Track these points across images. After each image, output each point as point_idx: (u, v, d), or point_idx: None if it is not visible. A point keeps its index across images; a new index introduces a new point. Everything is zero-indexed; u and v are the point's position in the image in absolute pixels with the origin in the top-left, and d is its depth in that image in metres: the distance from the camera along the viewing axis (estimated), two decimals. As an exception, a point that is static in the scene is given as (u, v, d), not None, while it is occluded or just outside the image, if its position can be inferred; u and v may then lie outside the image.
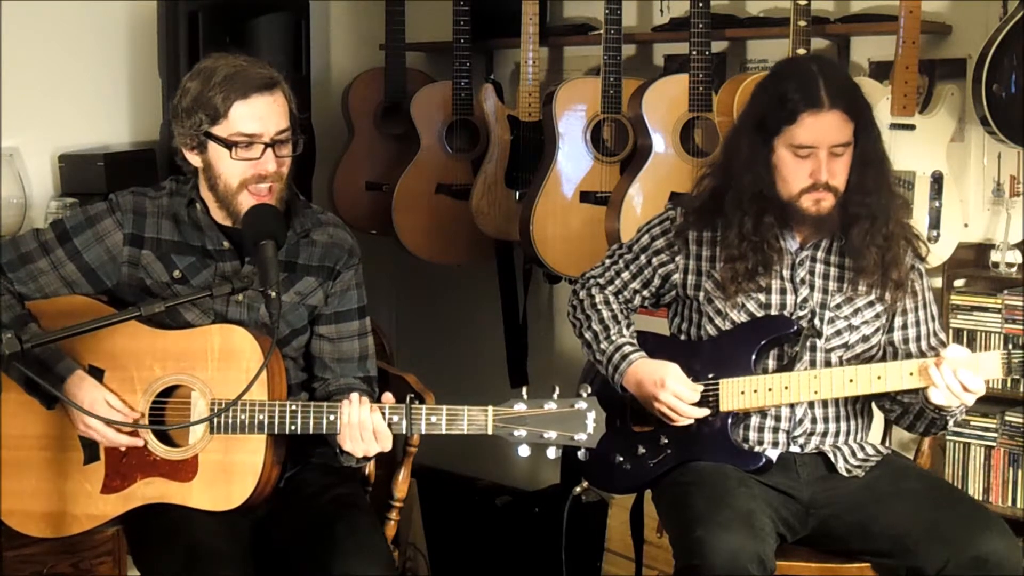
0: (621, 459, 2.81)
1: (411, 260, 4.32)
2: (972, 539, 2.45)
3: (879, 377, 2.60)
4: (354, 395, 2.45)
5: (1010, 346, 2.89)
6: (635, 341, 2.79)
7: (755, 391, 2.66)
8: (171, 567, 2.40)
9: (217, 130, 2.51)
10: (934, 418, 2.65)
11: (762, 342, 2.69)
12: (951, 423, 2.67)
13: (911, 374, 2.58)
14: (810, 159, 2.59)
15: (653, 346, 2.79)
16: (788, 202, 2.62)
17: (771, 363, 2.72)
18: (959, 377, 2.53)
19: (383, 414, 2.43)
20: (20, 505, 2.55)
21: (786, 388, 2.65)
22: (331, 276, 2.68)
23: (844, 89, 2.62)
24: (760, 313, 2.71)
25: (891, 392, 2.69)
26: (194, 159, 2.58)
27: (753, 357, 2.68)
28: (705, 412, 2.68)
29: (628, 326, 2.83)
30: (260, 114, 2.50)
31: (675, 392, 2.66)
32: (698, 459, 2.71)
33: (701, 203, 2.76)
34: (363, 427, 2.42)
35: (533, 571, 3.81)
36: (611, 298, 2.85)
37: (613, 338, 2.79)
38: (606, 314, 2.83)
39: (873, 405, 2.81)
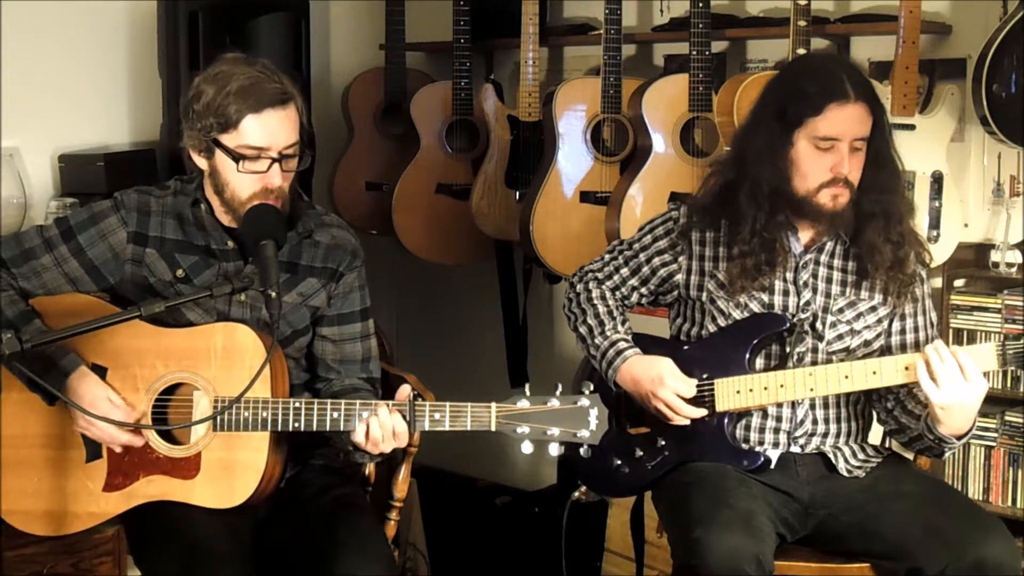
0: (619, 463, 2.81)
1: (411, 260, 4.32)
2: (972, 543, 2.45)
3: (874, 372, 2.59)
4: (384, 409, 2.43)
5: (1003, 338, 2.90)
6: (630, 338, 2.79)
7: (751, 390, 2.66)
8: (171, 567, 2.40)
9: (226, 139, 2.50)
10: (931, 445, 2.63)
11: (754, 340, 2.69)
12: (947, 453, 2.64)
13: (906, 368, 2.56)
14: (831, 152, 2.59)
15: (647, 347, 2.78)
16: (804, 198, 2.62)
17: (766, 361, 2.72)
18: (955, 354, 2.48)
19: (403, 414, 2.44)
20: (22, 504, 2.54)
21: (781, 386, 2.64)
22: (334, 278, 2.68)
23: (866, 84, 2.64)
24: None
25: (891, 408, 2.70)
26: (200, 162, 2.58)
27: (747, 356, 2.68)
28: (703, 412, 2.68)
29: (624, 322, 2.83)
30: (271, 129, 2.49)
31: (673, 388, 2.66)
32: (696, 459, 2.70)
33: (707, 203, 2.75)
34: (383, 432, 2.43)
35: (533, 571, 3.81)
36: (608, 294, 2.85)
37: (608, 334, 2.79)
38: (602, 309, 2.83)
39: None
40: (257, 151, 2.50)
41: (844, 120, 2.57)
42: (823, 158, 2.59)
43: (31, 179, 3.60)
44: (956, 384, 2.48)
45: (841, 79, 2.58)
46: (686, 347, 2.78)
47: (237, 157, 2.50)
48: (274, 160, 2.51)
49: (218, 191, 2.57)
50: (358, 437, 2.44)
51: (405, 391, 2.47)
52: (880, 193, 2.64)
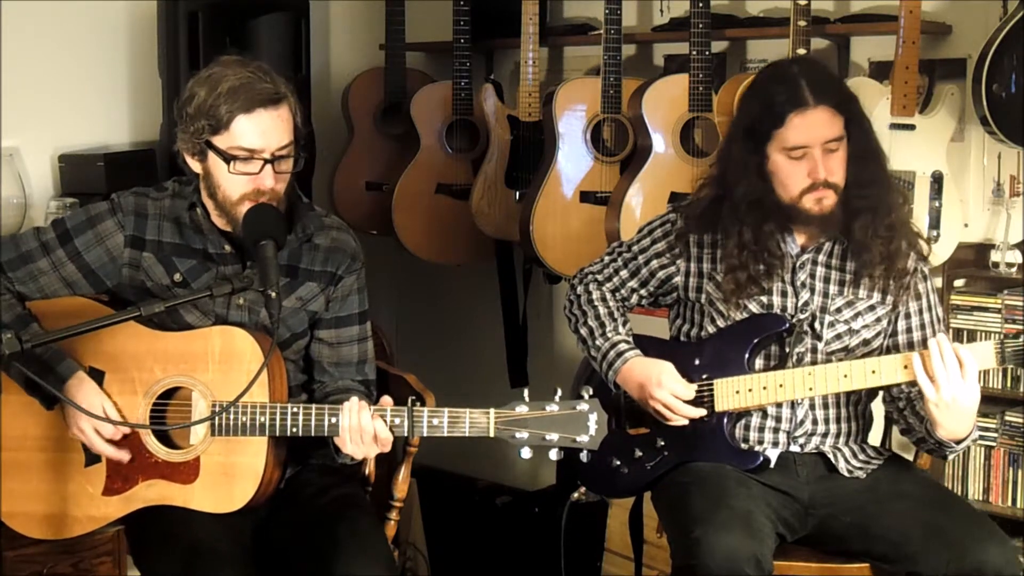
0: (618, 463, 2.81)
1: (411, 260, 4.32)
2: (972, 547, 2.45)
3: (873, 372, 2.59)
4: (354, 399, 2.45)
5: (1002, 336, 2.89)
6: (631, 339, 2.79)
7: (750, 390, 2.66)
8: (172, 568, 2.40)
9: (218, 140, 2.49)
10: (933, 448, 2.64)
11: (754, 340, 2.69)
12: (950, 456, 2.65)
13: (904, 367, 2.56)
14: (805, 159, 2.58)
15: (646, 348, 2.79)
16: (790, 205, 2.62)
17: (766, 362, 2.72)
18: (956, 351, 2.47)
19: (384, 419, 2.43)
20: (21, 507, 2.55)
21: (780, 386, 2.64)
22: (333, 281, 2.67)
23: (827, 85, 2.62)
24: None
25: (902, 408, 2.70)
26: (195, 165, 2.57)
27: (746, 356, 2.68)
28: (701, 412, 2.68)
29: (624, 323, 2.83)
30: (262, 129, 2.48)
31: (671, 390, 2.66)
32: (695, 460, 2.71)
33: (699, 212, 2.75)
34: (363, 431, 2.42)
35: (533, 571, 3.81)
36: (608, 295, 2.85)
37: (609, 335, 2.79)
38: (602, 311, 2.83)
39: (873, 407, 2.82)
40: (249, 152, 2.48)
41: (808, 127, 2.56)
42: (798, 166, 2.59)
43: (31, 179, 3.59)
44: (954, 382, 2.48)
45: (799, 86, 2.57)
46: (686, 348, 2.78)
47: (228, 158, 2.49)
48: (266, 161, 2.49)
49: (211, 193, 2.56)
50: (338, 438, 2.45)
51: (386, 400, 2.47)
52: (864, 188, 2.63)
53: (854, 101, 2.64)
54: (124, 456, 2.51)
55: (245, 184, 2.50)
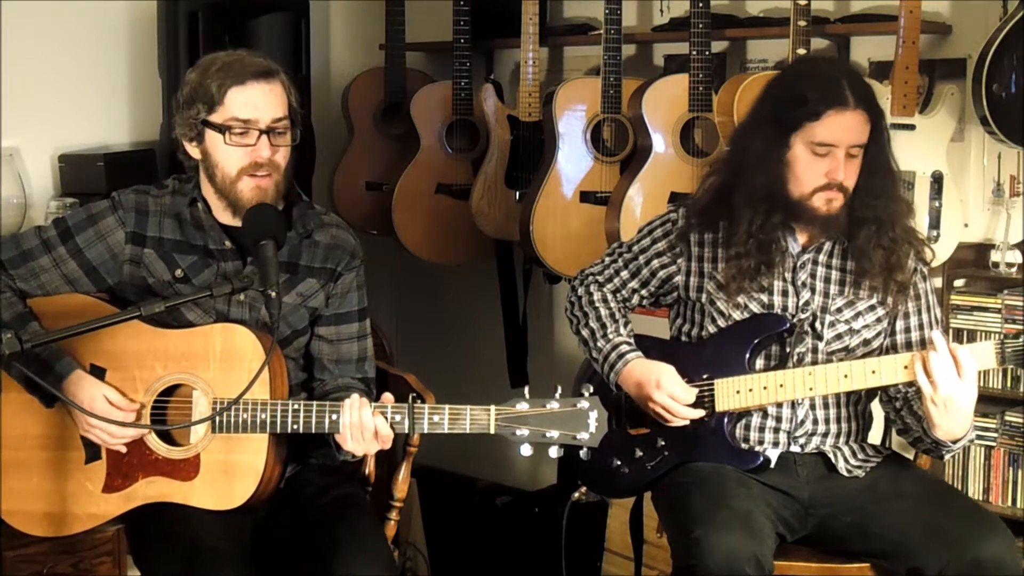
0: (619, 463, 2.81)
1: (411, 260, 4.32)
2: (972, 541, 2.45)
3: (873, 372, 2.59)
4: (355, 396, 2.45)
5: (1002, 336, 2.89)
6: (632, 341, 2.79)
7: (750, 390, 2.66)
8: (171, 567, 2.40)
9: (213, 117, 2.53)
10: (929, 448, 2.65)
11: (755, 341, 2.69)
12: (947, 456, 2.65)
13: (905, 367, 2.56)
14: (827, 158, 2.58)
15: (647, 348, 2.79)
16: (798, 201, 2.62)
17: (766, 361, 2.72)
18: (954, 351, 2.48)
19: (385, 416, 2.43)
20: (21, 505, 2.55)
21: (781, 386, 2.64)
22: (332, 278, 2.68)
23: (866, 91, 2.62)
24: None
25: (899, 408, 2.70)
26: (193, 151, 2.60)
27: (747, 356, 2.68)
28: (700, 413, 2.68)
29: (625, 324, 2.83)
30: (255, 101, 2.52)
31: (670, 392, 2.66)
32: (696, 460, 2.71)
33: (704, 204, 2.75)
34: (364, 428, 2.42)
35: (533, 571, 3.81)
36: (609, 296, 2.85)
37: (610, 337, 2.79)
38: (603, 312, 2.83)
39: (873, 407, 2.82)
40: (243, 124, 2.52)
41: (842, 127, 2.56)
42: (819, 163, 2.59)
43: (31, 179, 3.59)
44: (951, 381, 2.48)
45: (841, 85, 2.57)
46: (686, 347, 2.78)
47: (224, 129, 2.52)
48: (262, 132, 2.52)
49: (210, 177, 2.58)
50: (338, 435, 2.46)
51: (387, 397, 2.47)
52: (873, 198, 2.63)
53: (882, 114, 2.65)
54: (141, 432, 2.52)
55: (242, 157, 2.53)
